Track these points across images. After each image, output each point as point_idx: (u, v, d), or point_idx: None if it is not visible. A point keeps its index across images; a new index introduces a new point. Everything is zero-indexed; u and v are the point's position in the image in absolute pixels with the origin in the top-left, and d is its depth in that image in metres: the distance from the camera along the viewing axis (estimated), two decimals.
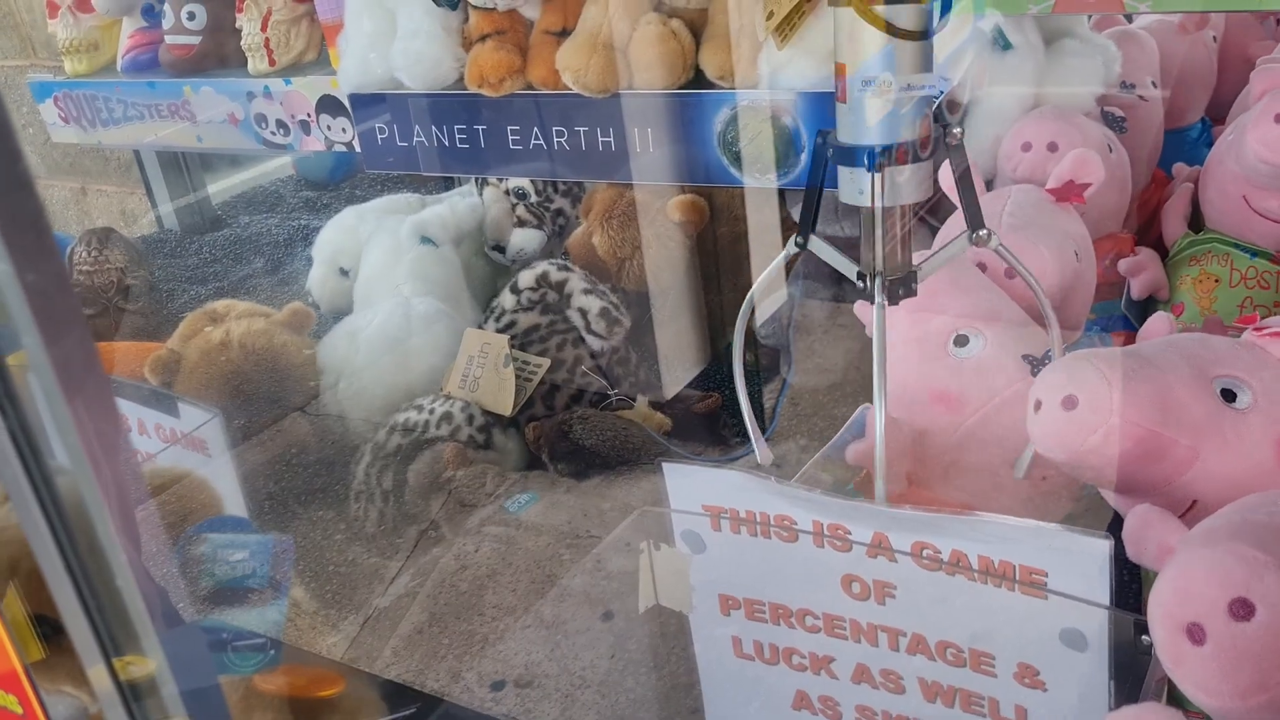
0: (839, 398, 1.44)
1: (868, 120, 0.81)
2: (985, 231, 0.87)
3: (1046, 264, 1.06)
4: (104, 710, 0.68)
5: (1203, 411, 0.77)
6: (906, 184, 0.83)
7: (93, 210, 2.85)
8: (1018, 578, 0.75)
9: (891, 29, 0.77)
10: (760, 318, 1.54)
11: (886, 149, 0.82)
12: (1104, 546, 0.70)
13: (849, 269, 0.90)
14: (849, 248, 1.51)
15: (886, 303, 0.87)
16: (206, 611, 0.86)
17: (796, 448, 1.37)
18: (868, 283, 0.88)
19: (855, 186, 0.85)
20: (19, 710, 0.69)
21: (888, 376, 0.86)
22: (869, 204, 0.84)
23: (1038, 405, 0.80)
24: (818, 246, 0.93)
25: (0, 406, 0.50)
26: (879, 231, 0.86)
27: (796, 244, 0.93)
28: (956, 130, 0.84)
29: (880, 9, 0.77)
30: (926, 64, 0.81)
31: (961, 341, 1.01)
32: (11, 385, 0.51)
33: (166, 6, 1.84)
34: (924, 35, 0.79)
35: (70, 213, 2.92)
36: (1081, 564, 0.72)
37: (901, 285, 0.88)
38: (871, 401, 0.87)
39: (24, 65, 2.64)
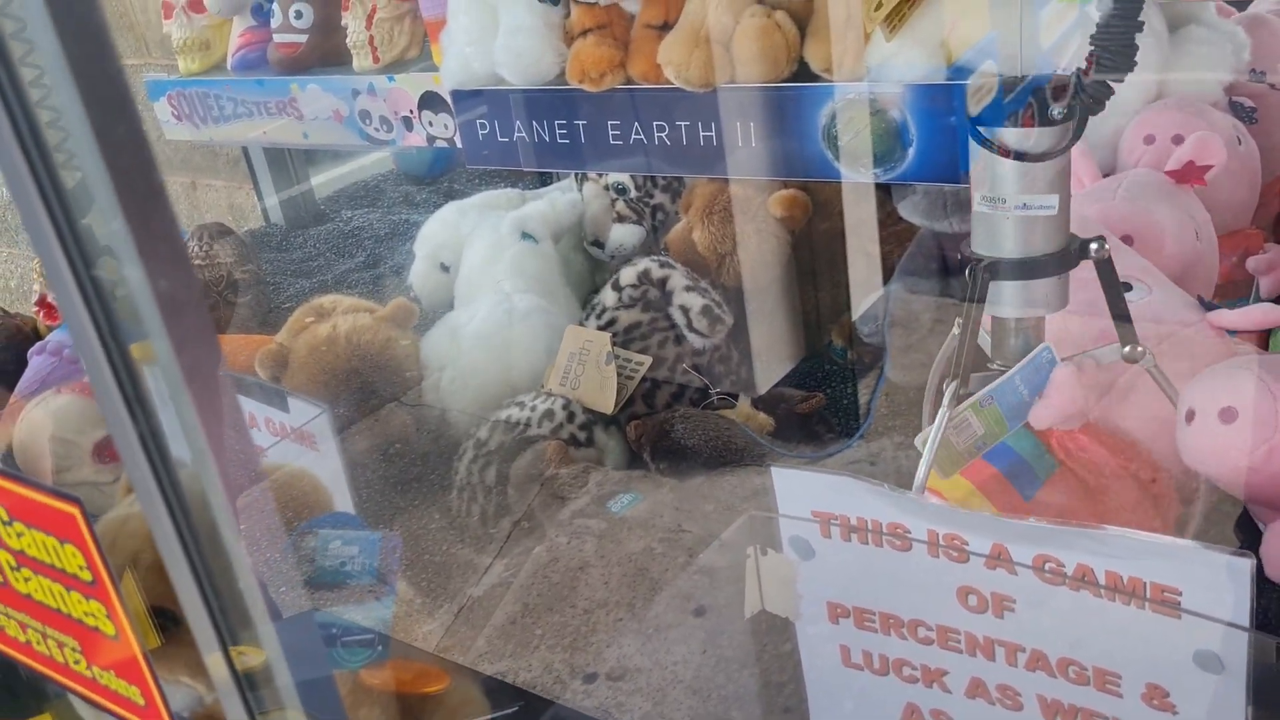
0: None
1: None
2: (1140, 349, 0.85)
3: (1164, 231, 1.02)
4: (221, 699, 0.69)
5: None
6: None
7: (201, 204, 2.94)
8: (1149, 595, 0.71)
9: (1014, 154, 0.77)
10: (860, 313, 1.51)
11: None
12: (1246, 565, 0.66)
13: None
14: (956, 244, 1.47)
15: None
16: (316, 606, 0.87)
17: (892, 444, 1.34)
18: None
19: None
20: (141, 701, 0.71)
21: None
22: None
23: (1190, 415, 0.76)
24: None
25: (128, 404, 0.51)
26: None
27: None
28: (1097, 245, 0.83)
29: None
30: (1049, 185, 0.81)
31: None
32: (139, 382, 0.52)
33: (275, 6, 1.89)
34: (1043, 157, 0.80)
35: (180, 207, 3.01)
36: (1220, 583, 0.68)
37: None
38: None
39: (139, 64, 2.73)
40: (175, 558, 0.52)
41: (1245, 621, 0.68)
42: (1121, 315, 0.86)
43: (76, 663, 0.74)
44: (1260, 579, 0.72)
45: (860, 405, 1.48)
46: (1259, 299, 1.23)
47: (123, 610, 0.65)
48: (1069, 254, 0.85)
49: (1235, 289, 1.23)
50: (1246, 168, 1.22)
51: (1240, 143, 1.22)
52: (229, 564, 0.52)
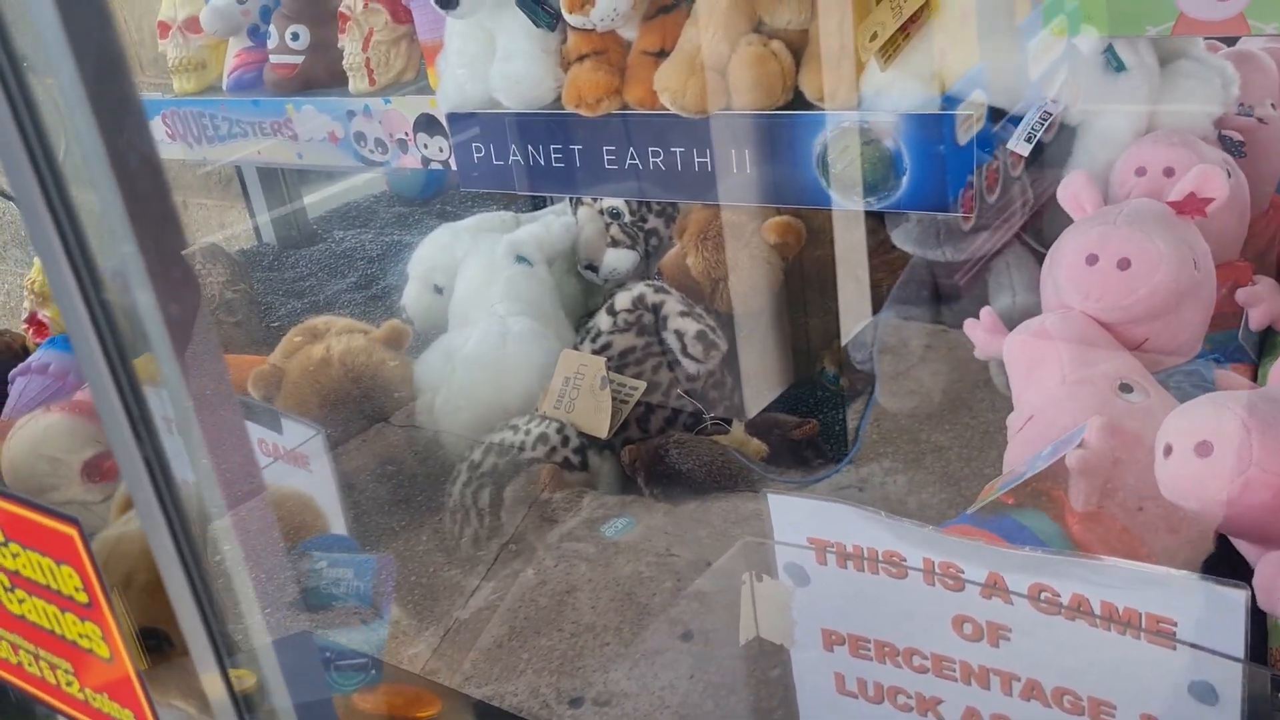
0: (926, 420, 1.42)
1: None
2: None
3: (1161, 256, 1.03)
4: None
5: None
6: None
7: (193, 223, 2.93)
8: (1144, 626, 0.71)
9: None
10: (851, 339, 1.52)
11: None
12: (1241, 597, 0.67)
13: None
14: (950, 273, 1.49)
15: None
16: (309, 629, 0.87)
17: (880, 470, 1.34)
18: None
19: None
20: None
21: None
22: None
23: (1168, 450, 0.77)
24: None
25: (133, 426, 0.51)
26: None
27: None
28: None
29: None
30: None
31: (1126, 389, 0.99)
32: (144, 404, 0.52)
33: (271, 27, 1.89)
34: None
35: None
36: (1215, 614, 0.69)
37: None
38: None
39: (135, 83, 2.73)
40: (176, 578, 0.52)
41: (1240, 653, 0.69)
42: None
43: (69, 685, 0.73)
44: (1253, 611, 0.72)
45: (851, 431, 1.48)
46: (1248, 330, 1.24)
47: (118, 632, 0.65)
48: None
49: (1225, 320, 1.25)
50: (1236, 200, 1.24)
51: (1230, 175, 1.23)
52: (230, 585, 0.52)
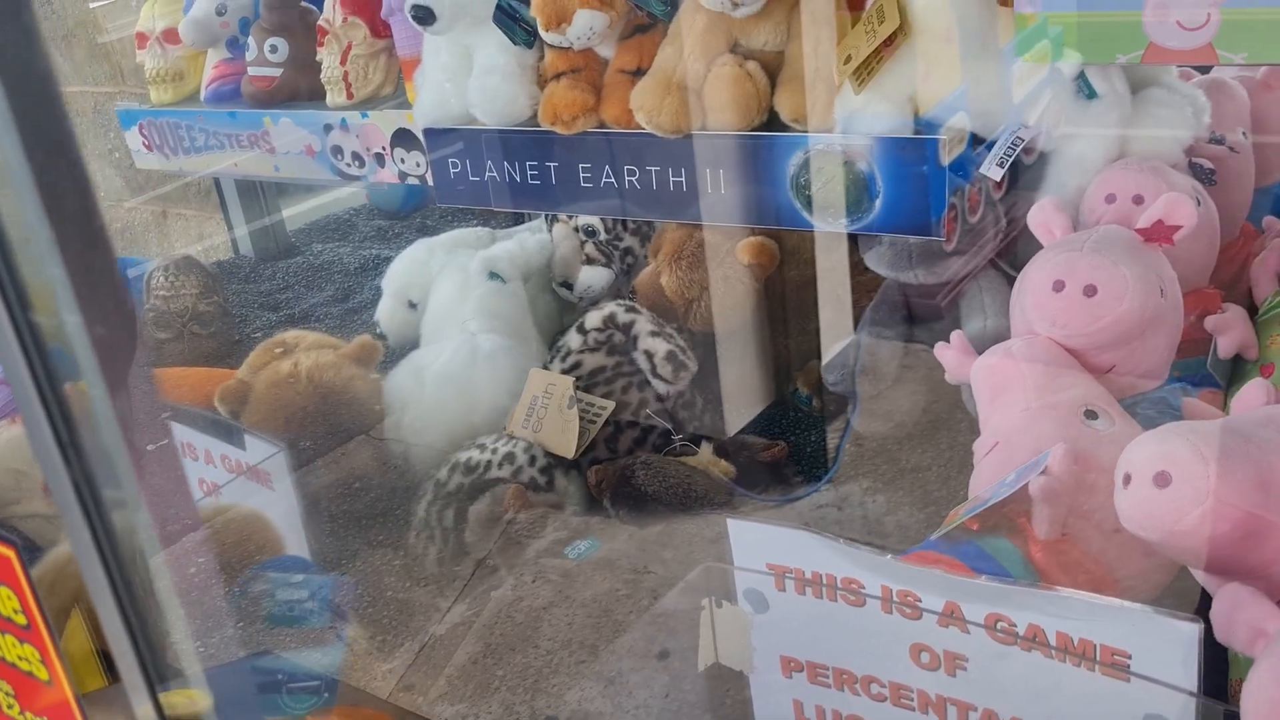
0: (905, 440, 1.42)
1: None
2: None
3: (1127, 284, 1.03)
4: None
5: None
6: None
7: (172, 233, 2.92)
8: (1098, 657, 0.71)
9: None
10: (827, 361, 1.52)
11: None
12: (1193, 630, 0.67)
13: None
14: (923, 294, 1.48)
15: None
16: (264, 651, 0.86)
17: (859, 489, 1.34)
18: None
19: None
20: None
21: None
22: None
23: (1127, 479, 0.76)
24: None
25: (61, 447, 0.50)
26: None
27: None
28: None
29: None
30: None
31: (1091, 416, 0.99)
32: (73, 425, 0.51)
33: (250, 39, 1.89)
34: None
35: (150, 235, 2.99)
36: (1168, 647, 0.68)
37: None
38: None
39: (114, 92, 2.73)
40: (105, 600, 0.51)
41: (1193, 686, 0.68)
42: None
43: (10, 707, 0.72)
44: (1211, 643, 0.72)
45: (824, 453, 1.48)
46: (1216, 358, 1.25)
47: (56, 655, 0.63)
48: None
49: (1194, 347, 1.25)
50: (1206, 229, 1.24)
51: (1199, 203, 1.24)
52: (160, 607, 0.51)
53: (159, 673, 0.55)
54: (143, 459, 0.46)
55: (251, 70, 1.89)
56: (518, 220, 1.94)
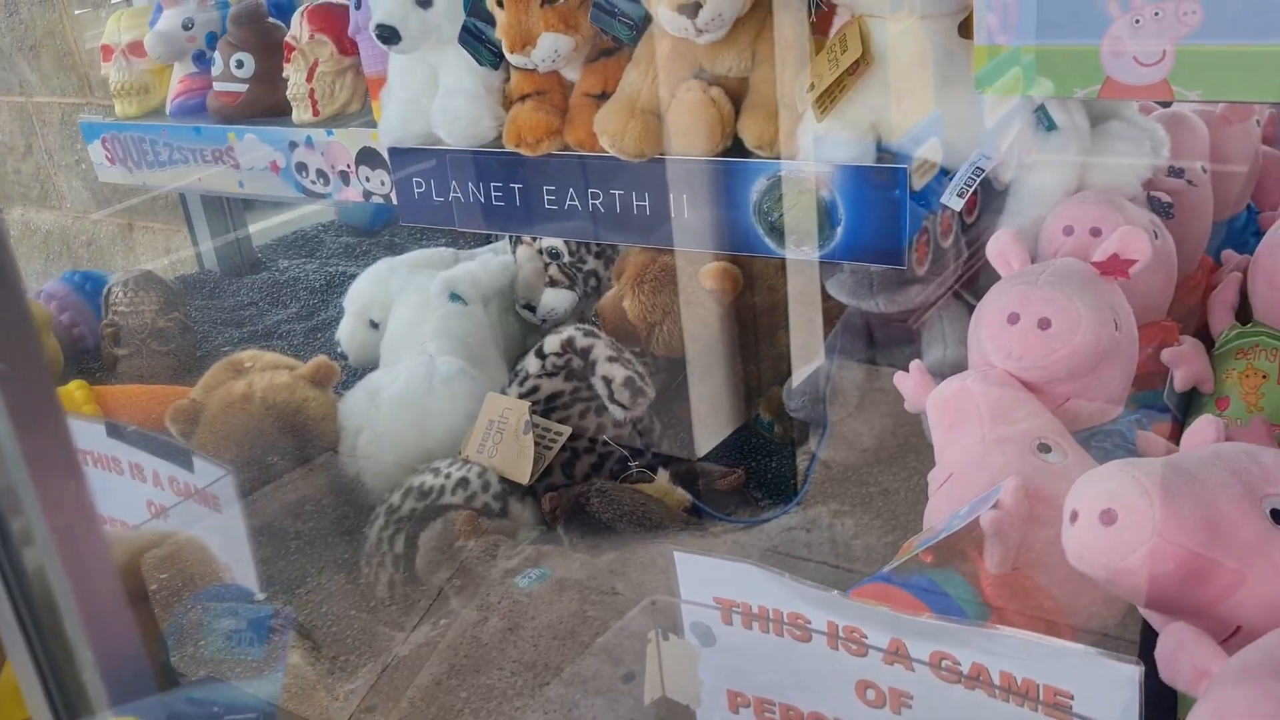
0: (874, 464, 1.41)
1: None
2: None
3: (1081, 317, 1.03)
4: None
5: (1251, 533, 0.73)
6: None
7: (138, 247, 2.90)
8: (1041, 698, 0.71)
9: None
10: (793, 386, 1.51)
11: None
12: (1133, 673, 0.66)
13: None
14: (885, 324, 1.48)
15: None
16: (200, 682, 0.84)
17: (828, 512, 1.33)
18: None
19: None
20: None
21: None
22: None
23: (1074, 516, 0.76)
24: None
25: None
26: None
27: None
28: None
29: None
30: None
31: (1044, 449, 0.99)
32: None
33: (216, 54, 1.88)
34: None
35: (116, 248, 2.97)
36: (1110, 688, 0.68)
37: None
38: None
39: (80, 103, 2.70)
40: (14, 639, 0.49)
41: None
42: None
43: None
44: (1157, 682, 0.72)
45: (786, 479, 1.47)
46: (1173, 391, 1.25)
47: None
48: None
49: (1151, 380, 1.25)
50: (1163, 261, 1.25)
51: (1157, 236, 1.24)
52: (70, 646, 0.50)
53: (71, 708, 0.54)
54: (55, 491, 0.45)
55: (217, 85, 1.88)
56: (485, 240, 1.94)
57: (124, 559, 0.86)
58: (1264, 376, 1.20)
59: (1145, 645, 0.77)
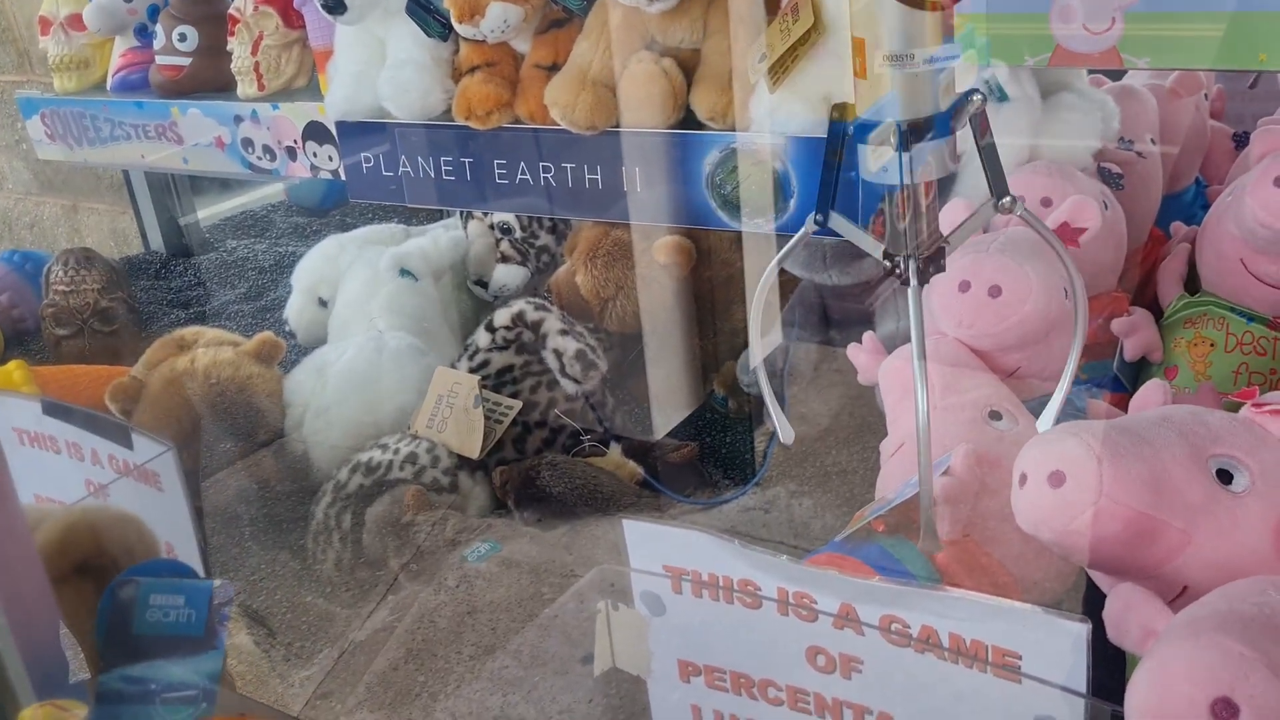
0: (832, 443, 1.41)
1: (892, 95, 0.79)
2: (1010, 199, 0.83)
3: (1032, 285, 1.03)
4: None
5: (1198, 494, 0.73)
6: (933, 158, 0.80)
7: (83, 228, 2.83)
8: (990, 659, 0.70)
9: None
10: (747, 365, 1.51)
11: (913, 124, 0.79)
12: (1081, 630, 0.66)
13: (874, 248, 0.87)
14: (839, 296, 1.48)
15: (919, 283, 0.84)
16: (136, 661, 0.81)
17: (786, 492, 1.33)
18: (900, 264, 0.84)
19: (879, 163, 0.82)
20: None
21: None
22: (896, 181, 0.81)
23: (1023, 480, 0.76)
24: (838, 223, 0.90)
25: None
26: (909, 208, 0.83)
27: (816, 221, 0.91)
28: (978, 97, 0.81)
29: None
30: (949, 34, 0.78)
31: (995, 416, 0.99)
32: None
33: (159, 27, 1.83)
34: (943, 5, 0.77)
35: (60, 230, 2.89)
36: (1058, 648, 0.68)
37: (932, 263, 0.85)
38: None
39: (20, 80, 2.63)
40: None
41: (1083, 686, 0.68)
42: (996, 174, 0.84)
43: None
44: (1105, 643, 0.72)
45: (740, 454, 1.47)
46: (1122, 360, 1.26)
47: None
48: None
49: (1100, 350, 1.26)
50: (1113, 232, 1.25)
51: (1107, 207, 1.25)
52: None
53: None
54: None
55: (159, 59, 1.83)
56: (436, 217, 1.91)
57: (55, 535, 0.83)
58: (1211, 345, 1.21)
59: (1093, 608, 0.77)
